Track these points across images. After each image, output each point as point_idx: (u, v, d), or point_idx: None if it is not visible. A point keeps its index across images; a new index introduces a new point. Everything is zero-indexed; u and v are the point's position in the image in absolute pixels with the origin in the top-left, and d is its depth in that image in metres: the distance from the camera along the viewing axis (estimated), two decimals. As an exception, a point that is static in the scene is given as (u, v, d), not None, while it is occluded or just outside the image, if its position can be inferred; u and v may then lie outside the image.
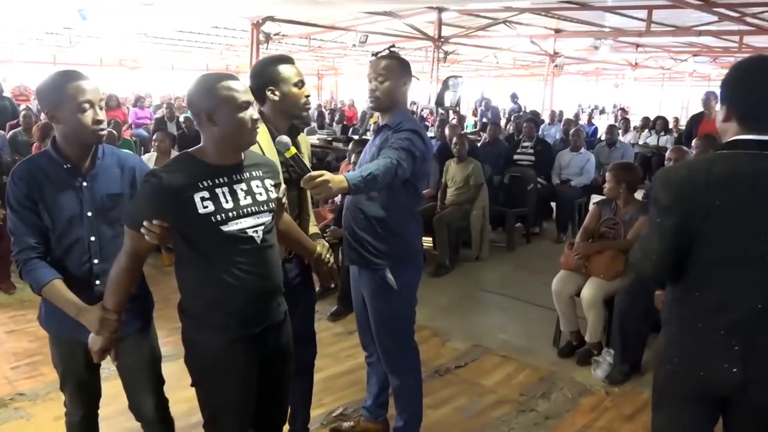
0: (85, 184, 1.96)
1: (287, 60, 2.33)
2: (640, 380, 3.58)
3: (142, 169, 2.06)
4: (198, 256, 1.83)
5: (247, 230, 1.83)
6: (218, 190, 1.80)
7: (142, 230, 1.78)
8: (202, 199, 1.77)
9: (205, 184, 1.79)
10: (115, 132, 6.80)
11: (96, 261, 1.97)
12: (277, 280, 1.97)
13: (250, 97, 1.83)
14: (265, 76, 2.28)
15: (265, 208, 1.90)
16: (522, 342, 4.05)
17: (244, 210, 1.83)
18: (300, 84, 2.32)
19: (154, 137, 6.17)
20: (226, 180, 1.83)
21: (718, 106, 1.79)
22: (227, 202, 1.80)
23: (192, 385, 1.98)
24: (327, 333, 4.18)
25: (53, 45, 14.35)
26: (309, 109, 2.45)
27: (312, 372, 2.79)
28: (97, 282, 1.97)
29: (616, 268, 3.67)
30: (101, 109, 1.91)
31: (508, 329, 4.24)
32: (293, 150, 2.06)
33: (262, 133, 2.17)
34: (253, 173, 1.90)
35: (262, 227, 1.88)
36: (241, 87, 1.81)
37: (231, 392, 1.92)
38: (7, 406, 3.08)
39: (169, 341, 2.68)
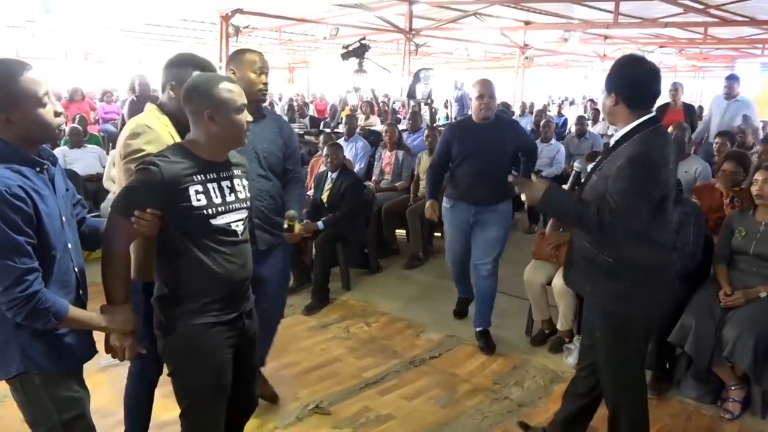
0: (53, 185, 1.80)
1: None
2: (611, 366, 3.65)
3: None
4: (186, 245, 1.89)
5: (231, 224, 1.96)
6: (209, 185, 1.92)
7: (133, 219, 1.80)
8: (197, 192, 1.88)
9: (199, 178, 1.89)
10: (80, 127, 6.68)
11: (77, 269, 1.87)
12: (250, 270, 2.08)
13: (245, 100, 1.97)
14: (174, 71, 2.30)
15: (244, 205, 2.03)
16: (495, 331, 4.09)
17: (229, 206, 1.96)
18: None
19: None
20: (215, 176, 1.94)
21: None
22: (216, 197, 1.93)
23: (169, 374, 2.01)
24: (301, 327, 4.18)
25: (15, 38, 13.97)
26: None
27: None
28: (80, 290, 1.89)
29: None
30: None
31: (481, 319, 4.28)
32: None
33: (156, 119, 2.28)
34: (235, 171, 2.03)
35: (242, 222, 2.02)
36: (239, 90, 1.95)
37: (210, 376, 1.99)
38: (-26, 409, 3.01)
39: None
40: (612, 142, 2.32)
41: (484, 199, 3.69)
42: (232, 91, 1.91)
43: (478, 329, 3.91)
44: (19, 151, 1.68)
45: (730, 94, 6.90)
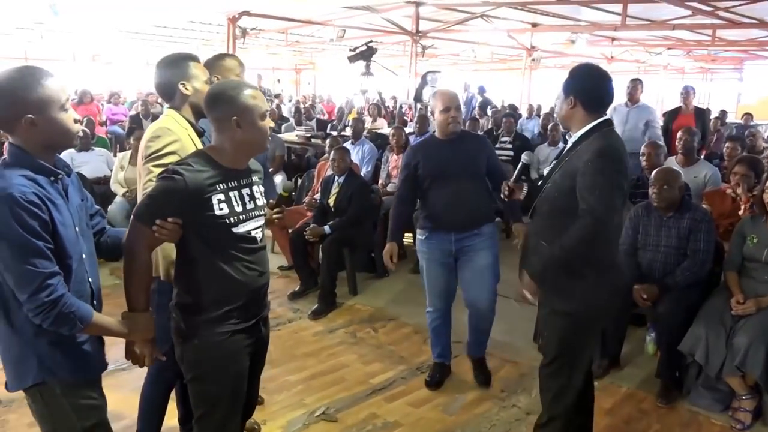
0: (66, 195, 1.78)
1: (195, 58, 2.45)
2: (619, 374, 3.63)
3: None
4: (208, 253, 1.90)
5: (251, 231, 1.98)
6: (231, 194, 1.92)
7: (154, 227, 1.81)
8: (219, 201, 1.88)
9: (222, 187, 1.90)
10: (87, 130, 6.68)
11: (91, 279, 1.85)
12: (268, 276, 2.11)
13: (267, 107, 2.00)
14: (176, 71, 2.36)
15: (262, 212, 2.05)
16: (502, 338, 4.06)
17: (250, 213, 1.97)
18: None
19: (132, 136, 6.03)
20: (236, 184, 1.95)
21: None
22: (238, 205, 1.93)
23: (187, 381, 2.01)
24: (308, 332, 4.17)
25: (24, 40, 14.02)
26: None
27: None
28: (95, 302, 1.88)
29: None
30: None
31: (488, 325, 4.25)
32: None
33: (175, 123, 2.31)
34: (253, 178, 2.04)
35: (260, 229, 2.03)
36: (262, 96, 1.97)
37: (229, 384, 2.00)
38: (-19, 414, 3.02)
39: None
40: (570, 142, 2.41)
41: (464, 224, 3.21)
42: (256, 97, 1.92)
43: (472, 357, 3.53)
44: (35, 160, 1.67)
45: (632, 99, 6.43)
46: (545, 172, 2.48)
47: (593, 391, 2.72)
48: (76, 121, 1.75)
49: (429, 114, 3.54)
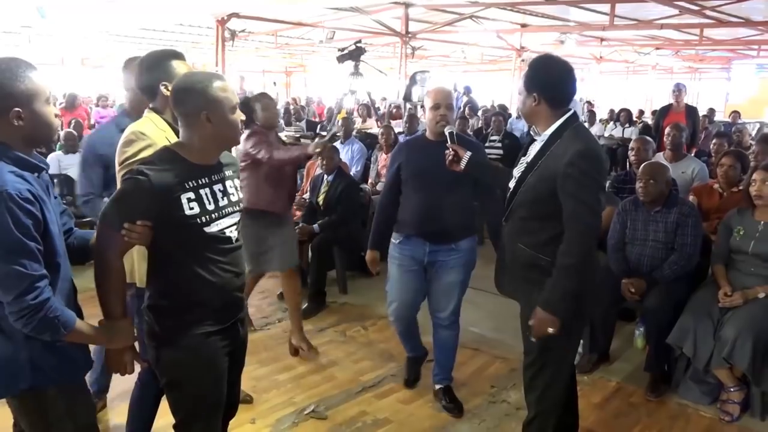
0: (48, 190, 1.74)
1: (179, 56, 2.33)
2: (609, 369, 3.63)
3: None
4: (180, 255, 1.84)
5: (225, 230, 1.89)
6: (201, 191, 1.84)
7: (123, 231, 1.73)
8: (189, 200, 1.79)
9: (191, 185, 1.81)
10: (75, 132, 6.65)
11: (72, 277, 1.82)
12: (244, 276, 2.05)
13: (237, 99, 1.91)
14: (159, 71, 2.26)
15: (237, 208, 1.96)
16: (492, 334, 4.07)
17: (223, 211, 1.89)
18: None
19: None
20: (207, 180, 1.86)
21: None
22: (209, 203, 1.85)
23: (163, 386, 1.96)
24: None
25: (11, 44, 13.94)
26: None
27: None
28: (76, 300, 1.85)
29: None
30: None
31: (478, 322, 4.25)
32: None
33: (152, 126, 2.23)
34: (227, 173, 1.95)
35: (235, 226, 1.94)
36: (231, 88, 1.88)
37: (208, 388, 1.94)
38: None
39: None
40: (540, 142, 2.27)
41: (441, 235, 2.99)
42: (226, 89, 1.84)
43: (438, 387, 3.26)
44: (19, 155, 1.62)
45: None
46: (516, 172, 2.35)
47: (576, 386, 2.72)
48: (56, 116, 1.71)
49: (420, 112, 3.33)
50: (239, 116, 1.89)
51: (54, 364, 1.70)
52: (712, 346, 3.09)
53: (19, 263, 1.54)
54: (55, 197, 1.81)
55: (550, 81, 2.23)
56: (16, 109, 1.58)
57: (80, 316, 1.81)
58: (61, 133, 6.83)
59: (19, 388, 1.68)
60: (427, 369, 3.63)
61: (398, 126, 7.78)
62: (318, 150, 3.41)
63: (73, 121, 7.98)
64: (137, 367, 1.95)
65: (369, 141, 6.94)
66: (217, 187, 1.89)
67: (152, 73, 2.26)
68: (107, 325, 1.81)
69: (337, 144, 6.17)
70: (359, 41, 8.35)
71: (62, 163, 6.20)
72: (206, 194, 1.85)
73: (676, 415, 3.18)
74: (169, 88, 2.21)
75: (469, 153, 2.66)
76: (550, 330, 2.18)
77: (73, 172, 6.09)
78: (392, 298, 3.20)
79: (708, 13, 9.24)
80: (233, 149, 2.36)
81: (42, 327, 1.59)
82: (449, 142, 2.70)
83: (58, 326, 1.62)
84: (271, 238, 3.56)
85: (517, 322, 4.15)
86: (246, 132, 3.48)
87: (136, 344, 1.93)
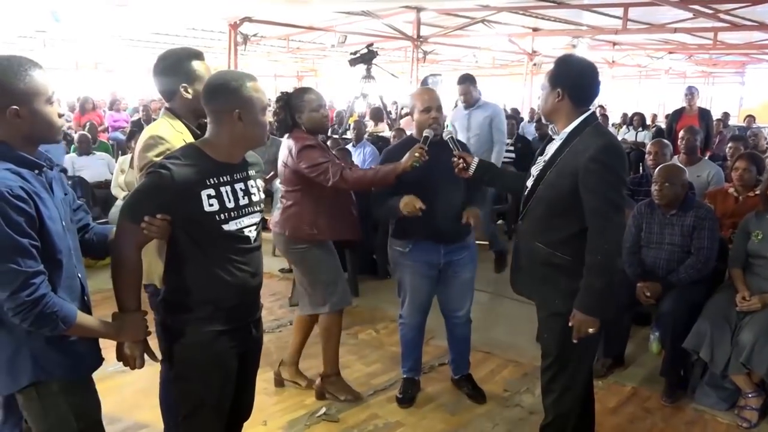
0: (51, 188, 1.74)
1: (200, 55, 2.30)
2: (623, 373, 3.60)
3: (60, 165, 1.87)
4: (196, 252, 1.85)
5: (243, 230, 1.90)
6: (222, 189, 1.85)
7: (143, 224, 1.76)
8: (209, 196, 1.81)
9: (212, 182, 1.83)
10: (89, 135, 6.70)
11: (80, 275, 1.81)
12: (261, 277, 2.05)
13: (268, 100, 1.94)
14: (179, 72, 2.23)
15: (258, 208, 1.98)
16: (505, 338, 4.04)
17: (243, 210, 1.90)
18: None
19: (133, 139, 6.03)
20: (228, 179, 1.88)
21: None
22: (229, 201, 1.86)
23: (172, 379, 1.98)
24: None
25: (26, 49, 14.09)
26: None
27: None
28: (85, 298, 1.85)
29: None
30: None
31: (491, 326, 4.23)
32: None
33: (170, 128, 2.20)
34: (250, 172, 1.97)
35: (255, 227, 1.95)
36: (263, 89, 1.90)
37: (214, 385, 1.94)
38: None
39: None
40: (559, 139, 2.27)
41: (453, 235, 3.00)
42: (258, 90, 1.86)
43: (459, 376, 3.36)
44: (17, 153, 1.63)
45: (468, 102, 5.34)
46: (533, 171, 2.36)
47: (593, 390, 2.68)
48: (60, 116, 1.71)
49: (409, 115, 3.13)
50: (268, 118, 1.93)
51: (58, 359, 1.71)
52: (729, 351, 3.05)
53: (12, 260, 1.55)
54: (66, 194, 1.82)
55: (575, 77, 2.26)
56: (14, 107, 1.59)
57: (88, 312, 1.82)
58: (75, 136, 6.90)
59: (23, 383, 1.69)
60: (429, 378, 3.62)
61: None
62: (415, 160, 2.76)
63: (87, 124, 8.04)
64: (150, 363, 1.94)
65: (381, 144, 6.93)
66: (238, 186, 1.90)
67: (172, 74, 2.24)
68: (119, 318, 1.83)
69: (349, 147, 6.17)
70: (371, 45, 8.37)
71: (76, 164, 6.25)
72: (227, 192, 1.86)
73: (693, 421, 3.14)
74: (189, 90, 2.22)
75: (476, 159, 2.69)
76: (591, 330, 2.20)
77: (87, 174, 6.15)
78: (408, 304, 3.17)
79: (722, 16, 9.16)
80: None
81: (40, 322, 1.60)
82: (455, 150, 2.72)
83: (57, 321, 1.62)
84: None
85: (530, 325, 4.12)
86: (293, 142, 2.92)
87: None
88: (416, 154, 2.74)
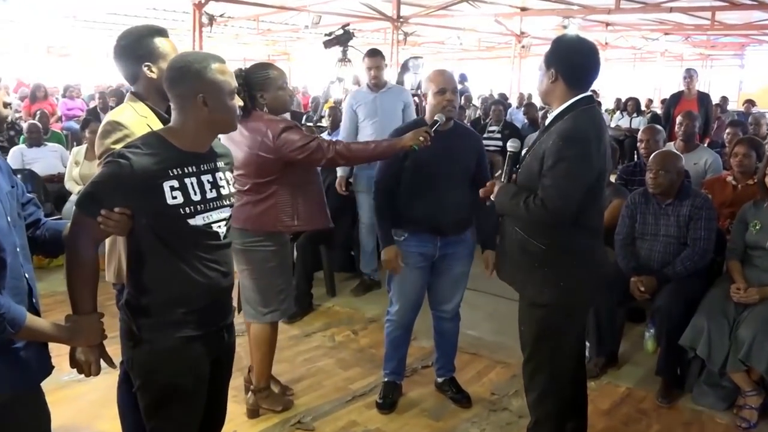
0: None
1: (163, 32, 2.27)
2: (617, 373, 3.64)
3: None
4: (161, 249, 1.81)
5: (212, 225, 1.88)
6: (187, 180, 1.81)
7: (99, 218, 1.73)
8: (172, 188, 1.78)
9: (176, 172, 1.79)
10: (39, 125, 6.59)
11: (27, 275, 1.76)
12: (233, 277, 2.01)
13: (236, 83, 1.91)
14: (141, 51, 2.20)
15: (228, 202, 1.94)
16: (492, 338, 4.06)
17: (211, 203, 1.87)
18: None
19: (88, 128, 5.93)
20: (194, 169, 1.84)
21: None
22: (195, 194, 1.83)
23: (136, 389, 1.93)
24: (282, 336, 4.08)
25: (-30, 31, 13.85)
26: None
27: None
28: (33, 300, 1.79)
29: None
30: None
31: (477, 325, 4.24)
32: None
33: (132, 112, 2.18)
34: (219, 164, 1.94)
35: (225, 222, 1.93)
36: (230, 71, 1.87)
37: (184, 396, 1.91)
38: None
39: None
40: (547, 121, 2.38)
41: (451, 227, 3.02)
42: (224, 72, 1.83)
43: (443, 379, 3.39)
44: None
45: (378, 82, 4.79)
46: (524, 153, 2.46)
47: (586, 390, 2.72)
48: (6, 105, 1.69)
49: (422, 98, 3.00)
50: (238, 102, 1.88)
51: (2, 371, 1.65)
52: (727, 348, 3.09)
53: None
54: (12, 186, 1.77)
55: (569, 57, 2.28)
56: None
57: (37, 315, 1.77)
58: (25, 126, 6.78)
59: None
60: (411, 381, 3.63)
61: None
62: (417, 142, 2.74)
63: (38, 113, 7.91)
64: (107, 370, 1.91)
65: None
66: (205, 178, 1.87)
67: (133, 54, 2.20)
68: (73, 321, 1.78)
69: (325, 135, 6.14)
70: (347, 25, 8.32)
71: (26, 157, 6.13)
72: (192, 184, 1.83)
73: (690, 421, 3.19)
74: (153, 69, 2.20)
75: (498, 185, 2.48)
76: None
77: (38, 167, 6.04)
78: (398, 299, 3.17)
79: (720, -6, 9.30)
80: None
81: None
82: (506, 171, 2.49)
83: (4, 324, 1.57)
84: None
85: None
86: (263, 126, 2.79)
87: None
88: (420, 138, 2.74)
